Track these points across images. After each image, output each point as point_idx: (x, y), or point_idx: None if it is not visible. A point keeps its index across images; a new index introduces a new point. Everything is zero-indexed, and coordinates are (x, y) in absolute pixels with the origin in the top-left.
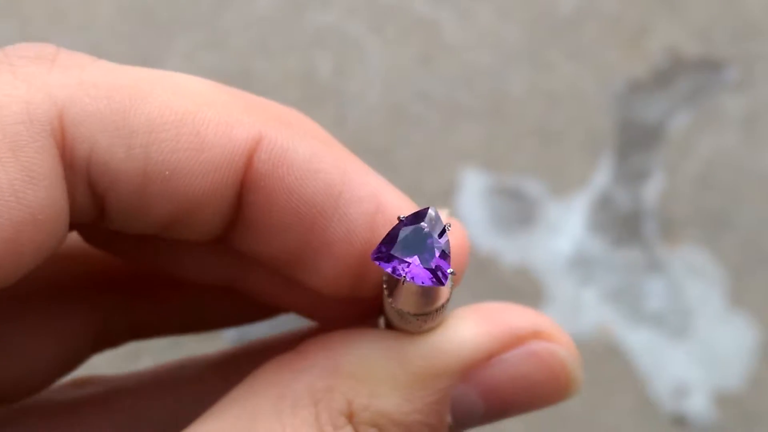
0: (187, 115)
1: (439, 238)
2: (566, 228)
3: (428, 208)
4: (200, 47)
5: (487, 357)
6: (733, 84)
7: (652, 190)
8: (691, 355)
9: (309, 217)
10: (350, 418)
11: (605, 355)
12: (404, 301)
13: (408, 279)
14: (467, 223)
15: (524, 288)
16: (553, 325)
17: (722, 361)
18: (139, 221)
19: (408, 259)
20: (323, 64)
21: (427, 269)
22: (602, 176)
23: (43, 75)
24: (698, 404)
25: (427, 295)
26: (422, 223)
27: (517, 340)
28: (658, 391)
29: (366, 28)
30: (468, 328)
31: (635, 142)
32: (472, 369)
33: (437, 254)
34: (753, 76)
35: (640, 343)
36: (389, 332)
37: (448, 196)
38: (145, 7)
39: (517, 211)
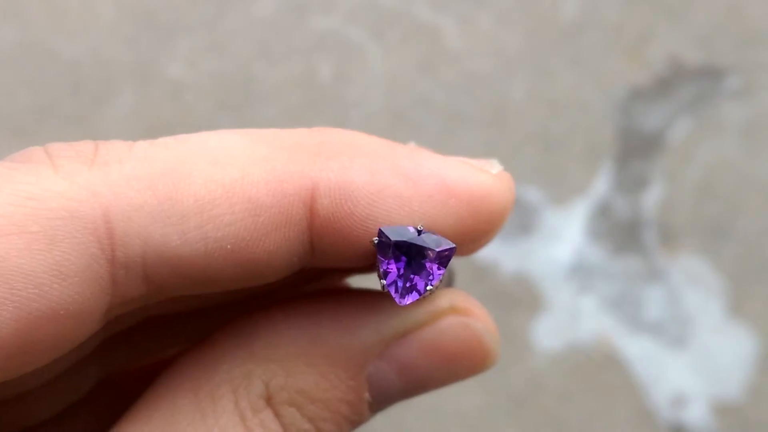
0: (235, 183)
1: (439, 268)
2: (566, 236)
3: (453, 246)
4: (201, 51)
5: (402, 334)
6: (734, 92)
7: (652, 199)
8: (690, 365)
9: None
10: (269, 400)
11: (604, 364)
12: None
13: (384, 282)
14: None
15: (523, 296)
16: (469, 300)
17: (721, 371)
18: (206, 291)
19: (395, 264)
20: (324, 68)
21: (402, 285)
22: (602, 184)
23: (84, 172)
24: (697, 414)
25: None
26: (426, 244)
27: (432, 317)
28: (656, 400)
29: (367, 33)
30: (382, 307)
31: (635, 150)
32: (386, 346)
33: (424, 281)
34: (754, 85)
35: (639, 352)
36: (297, 312)
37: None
38: (146, 10)
39: (517, 219)
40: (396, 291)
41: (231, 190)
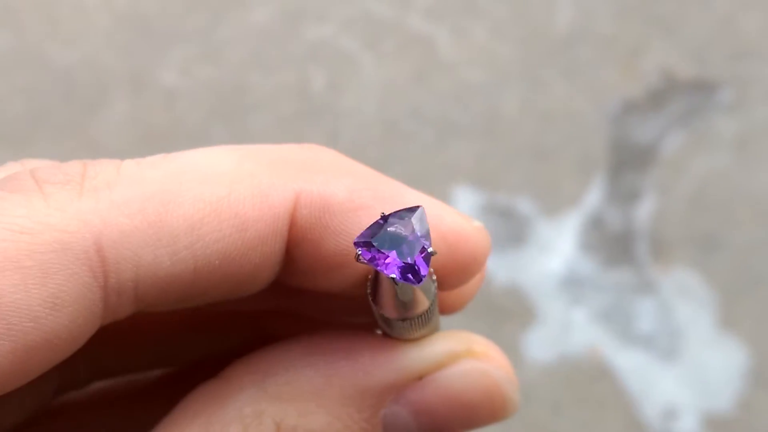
0: (222, 200)
1: (424, 239)
2: (557, 247)
3: (418, 206)
4: (195, 59)
5: (418, 376)
6: (726, 105)
7: (644, 211)
8: (681, 377)
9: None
10: None
11: (594, 376)
12: (385, 305)
13: (384, 272)
14: None
15: (514, 307)
16: (488, 345)
17: (712, 384)
18: (189, 305)
19: (386, 253)
20: (318, 78)
21: (404, 264)
22: (594, 196)
23: (74, 201)
24: (688, 426)
25: (401, 297)
26: (407, 220)
27: (448, 360)
28: (647, 412)
29: (361, 43)
30: (399, 347)
31: (628, 162)
32: (402, 388)
33: (417, 251)
34: (746, 98)
35: (630, 364)
36: (314, 349)
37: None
38: (140, 19)
39: (509, 230)
40: (407, 273)
41: (219, 208)
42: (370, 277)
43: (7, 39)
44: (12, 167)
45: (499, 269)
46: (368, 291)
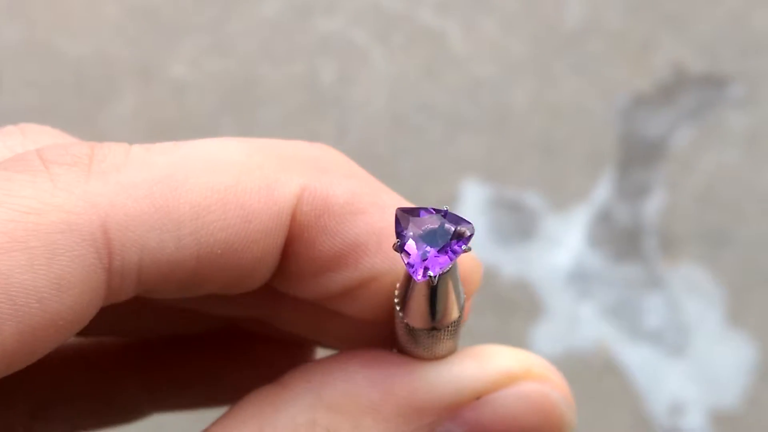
0: (229, 190)
1: (449, 223)
2: (566, 242)
3: (471, 223)
4: (205, 52)
5: (476, 395)
6: (737, 101)
7: (653, 206)
8: (689, 373)
9: (354, 257)
10: None
11: (602, 371)
12: (413, 312)
13: (400, 249)
14: None
15: (522, 301)
16: (546, 366)
17: (719, 380)
18: (188, 295)
19: (417, 241)
20: (327, 71)
21: (442, 251)
22: (603, 191)
23: (82, 183)
24: (694, 422)
25: (434, 303)
26: (429, 216)
27: (507, 380)
28: (654, 408)
29: (371, 36)
30: (457, 364)
31: (637, 158)
32: (460, 407)
33: (450, 237)
34: (757, 93)
35: (638, 359)
36: (374, 362)
37: (448, 207)
38: (150, 11)
39: (517, 224)
40: (423, 263)
41: (225, 197)
42: (398, 285)
43: (18, 31)
44: (10, 131)
45: (507, 263)
46: (396, 300)
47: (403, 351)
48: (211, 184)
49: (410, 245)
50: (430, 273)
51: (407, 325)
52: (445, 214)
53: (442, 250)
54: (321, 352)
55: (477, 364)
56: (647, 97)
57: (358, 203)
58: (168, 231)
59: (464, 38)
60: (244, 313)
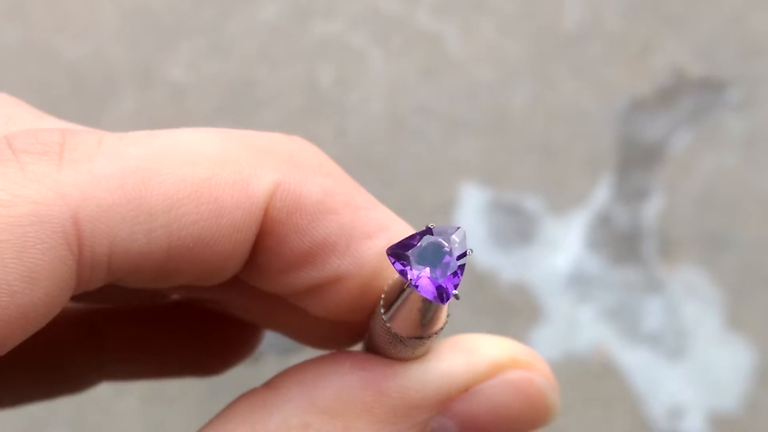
0: (203, 183)
1: (458, 259)
2: (565, 245)
3: (458, 227)
4: (203, 54)
5: (465, 388)
6: (735, 104)
7: (652, 209)
8: (688, 377)
9: (322, 256)
10: None
11: (601, 374)
12: (402, 322)
13: (414, 287)
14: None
15: (521, 304)
16: (530, 353)
17: (718, 383)
18: (158, 286)
19: (421, 269)
20: (325, 73)
21: (435, 284)
22: (602, 194)
23: (53, 173)
24: (694, 426)
25: (427, 316)
26: (445, 241)
27: (494, 370)
28: (653, 411)
29: (369, 39)
30: (446, 359)
31: (636, 161)
32: (450, 401)
33: (450, 273)
34: (755, 97)
35: (637, 362)
36: (365, 363)
37: (447, 210)
38: (149, 13)
39: (516, 227)
40: (438, 294)
41: (199, 190)
42: (383, 295)
43: (16, 32)
44: None
45: (505, 266)
46: (382, 310)
47: (378, 353)
48: (185, 176)
49: (423, 283)
50: (455, 292)
51: (394, 333)
52: (431, 231)
53: (451, 271)
54: (311, 353)
55: (465, 358)
56: (646, 100)
57: (330, 202)
58: (139, 223)
59: (462, 41)
60: (205, 297)
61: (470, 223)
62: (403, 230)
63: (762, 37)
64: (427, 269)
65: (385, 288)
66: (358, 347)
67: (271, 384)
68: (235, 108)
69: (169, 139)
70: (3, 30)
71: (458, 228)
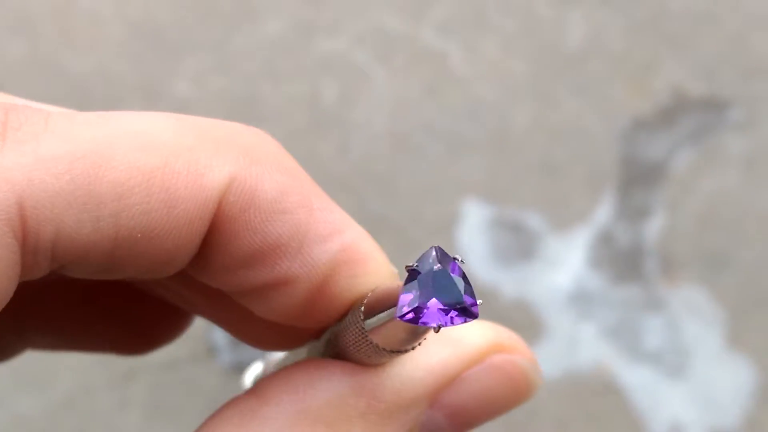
0: (156, 171)
1: (454, 273)
2: (566, 263)
3: (456, 257)
4: (208, 70)
5: (452, 379)
6: (736, 124)
7: (653, 228)
8: (688, 395)
9: (272, 257)
10: None
11: (602, 392)
12: (385, 336)
13: (431, 325)
14: (467, 254)
15: (522, 321)
16: (511, 336)
17: (719, 402)
18: (103, 278)
19: (428, 303)
20: (329, 90)
21: (453, 308)
22: (604, 212)
23: None
24: None
25: (417, 338)
26: (435, 264)
27: (480, 356)
28: (653, 429)
29: (373, 56)
30: (434, 353)
31: (637, 179)
32: (438, 394)
33: (463, 292)
34: (757, 117)
35: (637, 380)
36: (355, 368)
37: (449, 227)
38: (154, 29)
39: (518, 245)
40: (444, 317)
41: (151, 179)
42: (368, 299)
43: (22, 47)
44: None
45: (507, 283)
46: (361, 316)
47: (343, 358)
48: (137, 163)
49: (430, 314)
50: (470, 317)
51: (375, 344)
52: (415, 272)
53: (461, 311)
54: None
55: (452, 349)
56: (648, 119)
57: (285, 202)
58: (87, 211)
59: (465, 59)
60: (147, 283)
61: (472, 239)
62: (357, 234)
63: (763, 56)
64: (434, 300)
65: (369, 297)
66: (303, 349)
67: (257, 392)
68: (240, 123)
69: (123, 122)
70: (9, 44)
71: (457, 257)
